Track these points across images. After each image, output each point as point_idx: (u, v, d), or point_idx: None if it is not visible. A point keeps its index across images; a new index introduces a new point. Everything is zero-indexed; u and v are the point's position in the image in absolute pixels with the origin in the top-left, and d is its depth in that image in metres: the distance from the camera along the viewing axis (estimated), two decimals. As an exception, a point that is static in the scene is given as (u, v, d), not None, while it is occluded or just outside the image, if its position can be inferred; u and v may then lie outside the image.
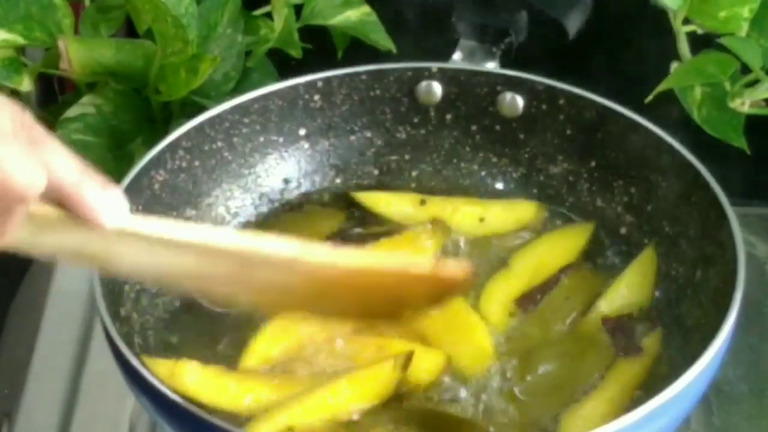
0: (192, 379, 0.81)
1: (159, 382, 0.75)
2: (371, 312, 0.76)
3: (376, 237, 0.94)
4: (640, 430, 0.73)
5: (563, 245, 0.93)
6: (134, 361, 0.75)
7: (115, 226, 0.65)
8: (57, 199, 0.64)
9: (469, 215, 0.96)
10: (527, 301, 0.89)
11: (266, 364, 0.85)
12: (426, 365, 0.84)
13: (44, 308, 0.98)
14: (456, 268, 0.75)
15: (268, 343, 0.86)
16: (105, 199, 0.64)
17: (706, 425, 0.89)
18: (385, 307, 0.75)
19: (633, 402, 0.81)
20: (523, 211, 0.96)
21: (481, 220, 0.96)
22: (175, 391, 0.75)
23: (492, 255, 0.93)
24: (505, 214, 0.96)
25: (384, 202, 0.97)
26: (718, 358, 0.77)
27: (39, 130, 0.63)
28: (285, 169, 0.98)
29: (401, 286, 0.74)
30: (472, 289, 0.89)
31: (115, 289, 0.84)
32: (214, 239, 0.69)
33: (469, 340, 0.86)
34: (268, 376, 0.83)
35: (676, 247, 0.90)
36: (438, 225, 0.93)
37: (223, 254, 0.69)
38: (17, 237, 0.63)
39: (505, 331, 0.88)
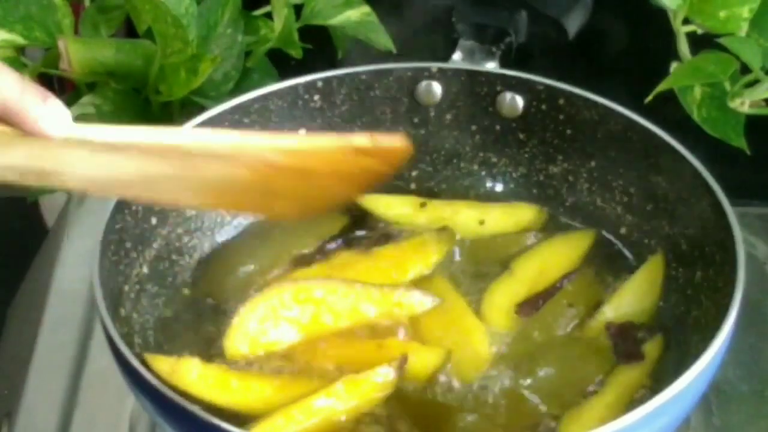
0: (193, 376, 0.81)
1: (159, 382, 0.75)
2: (317, 198, 0.78)
3: (380, 241, 0.94)
4: (641, 430, 0.73)
5: (566, 251, 0.93)
6: (134, 361, 0.75)
7: (60, 135, 0.66)
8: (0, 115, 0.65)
9: (468, 218, 0.96)
10: (528, 306, 0.89)
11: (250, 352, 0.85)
12: (424, 362, 0.84)
13: (44, 308, 0.98)
14: (393, 139, 0.77)
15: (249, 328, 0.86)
16: (48, 110, 0.65)
17: (706, 425, 0.89)
18: (330, 189, 0.77)
19: (632, 403, 0.81)
20: (523, 213, 0.97)
21: (481, 222, 0.96)
22: (176, 389, 0.76)
23: (493, 258, 0.93)
24: (505, 216, 0.96)
25: (384, 205, 0.97)
26: (718, 358, 0.77)
27: None
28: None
29: (343, 163, 0.76)
30: (475, 292, 0.90)
31: (114, 289, 0.84)
32: (156, 138, 0.70)
33: (466, 343, 0.86)
34: (270, 375, 0.83)
35: (676, 247, 0.90)
36: (444, 232, 0.93)
37: (166, 152, 0.70)
38: None
39: (507, 335, 0.87)
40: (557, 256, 0.93)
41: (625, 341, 0.86)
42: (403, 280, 0.90)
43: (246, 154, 0.72)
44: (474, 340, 0.86)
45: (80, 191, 0.76)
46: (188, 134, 0.73)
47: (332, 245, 0.93)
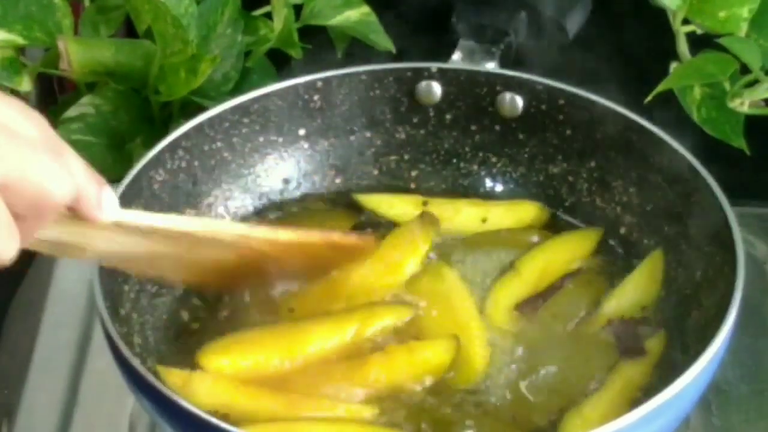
0: (204, 390, 0.81)
1: (158, 382, 0.75)
2: (298, 274, 0.88)
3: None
4: (640, 429, 0.73)
5: (571, 249, 0.93)
6: (134, 362, 0.75)
7: (107, 220, 0.70)
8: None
9: (471, 216, 0.96)
10: (529, 305, 0.89)
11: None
12: (437, 354, 0.84)
13: (44, 308, 0.97)
14: (360, 238, 0.91)
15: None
16: (103, 198, 0.69)
17: (706, 425, 0.89)
18: (309, 267, 0.88)
19: (633, 403, 0.81)
20: (525, 211, 0.96)
21: (483, 220, 0.96)
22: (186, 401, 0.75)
23: (496, 256, 0.93)
24: (508, 214, 0.96)
25: (386, 204, 0.97)
26: (718, 358, 0.77)
27: (58, 138, 0.67)
28: (284, 169, 0.98)
29: (321, 252, 0.87)
30: (479, 290, 0.90)
31: (114, 289, 0.84)
32: (177, 224, 0.78)
33: (464, 350, 0.85)
34: (281, 392, 0.83)
35: (676, 247, 0.90)
36: (427, 217, 0.93)
37: (181, 237, 0.77)
38: None
39: (509, 332, 0.87)
40: (563, 255, 0.93)
41: (627, 337, 0.86)
42: (401, 279, 0.90)
43: (241, 242, 0.82)
44: (472, 350, 0.85)
45: (91, 259, 0.80)
46: (202, 223, 0.83)
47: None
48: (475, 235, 0.95)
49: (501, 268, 0.92)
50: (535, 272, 0.91)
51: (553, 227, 0.96)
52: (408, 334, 0.87)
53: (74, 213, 0.68)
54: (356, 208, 0.97)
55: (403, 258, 0.91)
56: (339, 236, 0.89)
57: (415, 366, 0.84)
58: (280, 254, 0.84)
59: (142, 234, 0.75)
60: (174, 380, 0.80)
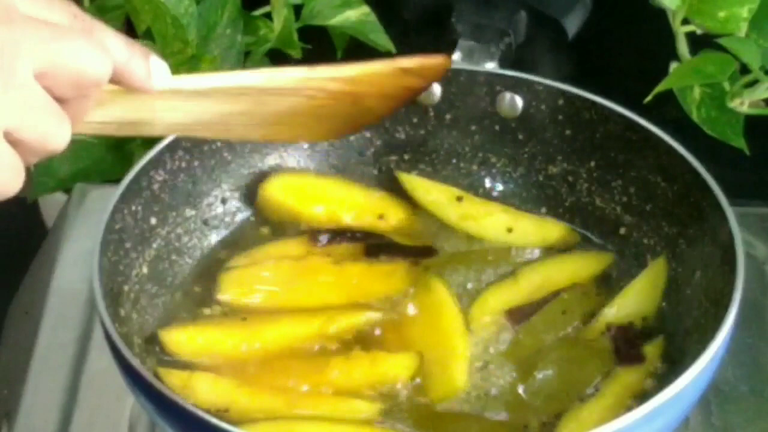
0: (204, 390, 0.81)
1: (158, 382, 0.75)
2: (360, 116, 0.83)
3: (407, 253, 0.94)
4: (640, 429, 0.73)
5: (575, 268, 0.92)
6: (133, 362, 0.75)
7: (160, 88, 0.70)
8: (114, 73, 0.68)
9: (498, 222, 0.95)
10: (518, 314, 0.88)
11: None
12: (395, 369, 0.84)
13: (44, 308, 0.97)
14: (436, 57, 0.84)
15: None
16: (151, 67, 0.69)
17: (705, 425, 0.89)
18: (373, 108, 0.83)
19: (630, 408, 0.81)
20: (552, 230, 0.96)
21: (509, 230, 0.95)
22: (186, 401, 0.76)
23: (506, 264, 0.93)
24: (534, 229, 0.95)
25: (423, 189, 0.97)
26: (718, 358, 0.77)
27: (87, 17, 0.67)
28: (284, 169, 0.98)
29: (389, 84, 0.82)
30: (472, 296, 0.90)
31: (114, 289, 0.84)
32: (236, 80, 0.76)
33: (444, 366, 0.85)
34: (281, 390, 0.83)
35: (676, 247, 0.90)
36: (419, 266, 0.92)
37: (244, 91, 0.76)
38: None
39: (500, 339, 0.87)
40: (566, 271, 0.92)
41: (625, 343, 0.86)
42: (369, 300, 0.89)
43: (308, 85, 0.78)
44: (452, 366, 0.85)
45: (162, 134, 0.82)
46: (261, 74, 0.77)
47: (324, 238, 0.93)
48: (498, 242, 0.95)
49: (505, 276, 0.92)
50: (533, 283, 0.90)
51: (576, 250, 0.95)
52: (389, 341, 0.87)
53: (127, 87, 0.69)
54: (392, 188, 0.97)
55: (379, 287, 0.91)
56: (407, 60, 0.83)
57: (374, 375, 0.84)
58: (351, 91, 0.81)
59: (205, 96, 0.74)
60: (173, 381, 0.81)
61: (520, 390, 0.84)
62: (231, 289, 0.90)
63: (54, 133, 0.64)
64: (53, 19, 0.65)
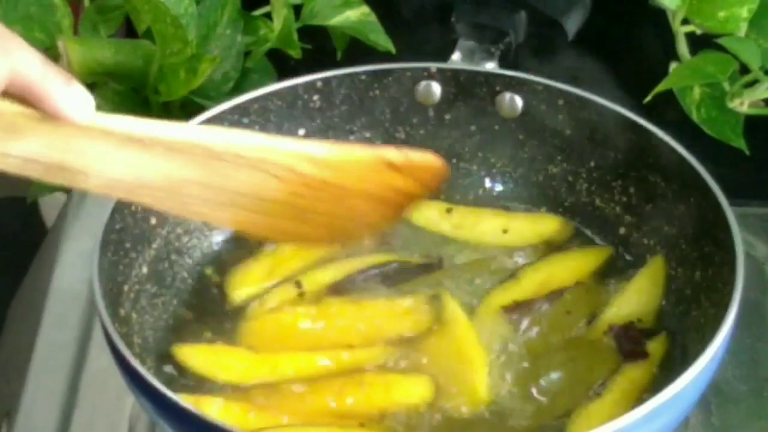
0: (214, 413, 0.81)
1: (158, 382, 0.75)
2: (349, 222, 0.75)
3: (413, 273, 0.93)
4: (640, 429, 0.73)
5: (575, 264, 0.92)
6: (133, 362, 0.75)
7: (81, 120, 0.64)
8: (21, 93, 0.63)
9: (492, 226, 0.95)
10: (517, 310, 0.88)
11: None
12: (408, 393, 0.83)
13: (44, 308, 0.97)
14: (426, 156, 0.75)
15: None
16: (71, 94, 0.64)
17: (705, 425, 0.89)
18: (362, 212, 0.75)
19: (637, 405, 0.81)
20: (547, 225, 0.96)
21: (504, 231, 0.95)
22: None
23: (507, 267, 0.93)
24: (529, 227, 0.96)
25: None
26: (717, 358, 0.77)
27: (0, 26, 0.62)
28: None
29: (374, 181, 0.73)
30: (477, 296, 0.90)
31: (114, 289, 0.84)
32: (181, 134, 0.68)
33: (464, 379, 0.84)
34: (292, 414, 0.83)
35: (676, 247, 0.90)
36: (435, 302, 0.90)
37: (192, 150, 0.68)
38: None
39: (507, 340, 0.87)
40: (567, 268, 0.92)
41: (628, 341, 0.86)
42: (388, 338, 0.88)
43: (274, 159, 0.70)
44: (472, 379, 0.84)
45: (105, 194, 0.72)
46: (215, 133, 0.70)
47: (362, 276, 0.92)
48: (496, 245, 0.94)
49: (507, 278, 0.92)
50: (535, 282, 0.90)
51: (574, 244, 0.95)
52: (406, 359, 0.86)
53: (42, 111, 0.63)
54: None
55: (399, 326, 0.89)
56: (393, 152, 0.74)
57: (389, 401, 0.83)
58: (328, 180, 0.72)
59: (143, 146, 0.66)
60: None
61: (528, 392, 0.83)
62: (250, 340, 0.88)
63: None
64: None
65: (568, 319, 0.88)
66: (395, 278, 0.91)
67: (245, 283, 0.91)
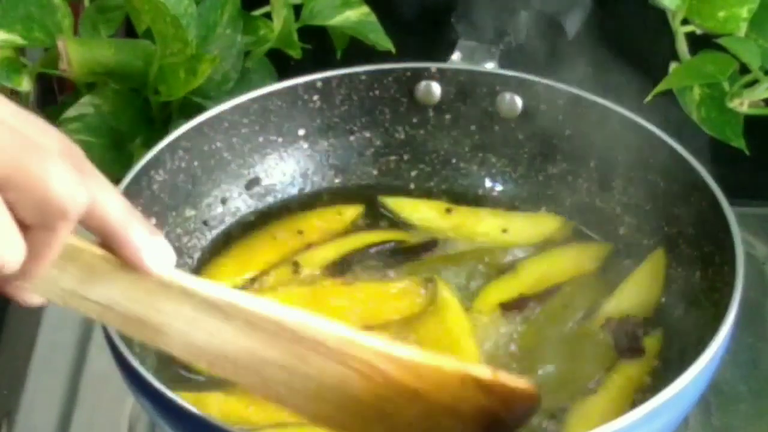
0: (214, 407, 0.81)
1: (158, 382, 0.75)
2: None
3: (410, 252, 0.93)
4: (640, 429, 0.73)
5: (574, 260, 0.93)
6: (133, 362, 0.75)
7: (161, 274, 0.63)
8: (102, 235, 0.62)
9: (492, 226, 0.95)
10: (514, 306, 0.88)
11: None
12: None
13: (44, 308, 0.97)
14: (519, 381, 0.72)
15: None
16: (152, 243, 0.63)
17: (705, 425, 0.89)
18: (443, 428, 0.71)
19: (633, 402, 0.81)
20: (547, 224, 0.96)
21: (504, 231, 0.95)
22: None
23: (506, 261, 0.93)
24: (529, 226, 0.96)
25: (410, 208, 0.96)
26: (717, 358, 0.77)
27: (88, 164, 0.61)
28: (284, 169, 0.98)
29: (459, 396, 0.70)
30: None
31: (114, 289, 0.84)
32: (261, 307, 0.66)
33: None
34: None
35: (676, 247, 0.90)
36: (430, 287, 0.90)
37: (272, 327, 0.67)
38: (60, 287, 0.64)
39: (500, 333, 0.87)
40: (566, 263, 0.92)
41: (625, 336, 0.86)
42: (381, 320, 0.88)
43: (353, 352, 0.68)
44: None
45: (190, 361, 0.70)
46: (295, 314, 0.67)
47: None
48: (495, 244, 0.94)
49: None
50: (533, 275, 0.90)
51: (574, 242, 0.95)
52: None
53: (120, 257, 0.62)
54: (356, 208, 0.97)
55: (391, 309, 0.89)
56: (483, 370, 0.71)
57: None
58: (413, 386, 0.69)
59: (224, 315, 0.65)
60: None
61: None
62: None
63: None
64: (44, 142, 0.58)
65: (564, 313, 0.88)
66: (391, 259, 0.92)
67: (219, 277, 0.91)
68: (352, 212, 0.96)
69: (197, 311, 0.65)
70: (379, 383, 0.68)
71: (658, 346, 0.85)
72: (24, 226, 0.58)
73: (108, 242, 0.62)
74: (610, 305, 0.88)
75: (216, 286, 0.66)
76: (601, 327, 0.87)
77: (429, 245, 0.93)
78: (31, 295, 0.65)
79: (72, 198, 0.58)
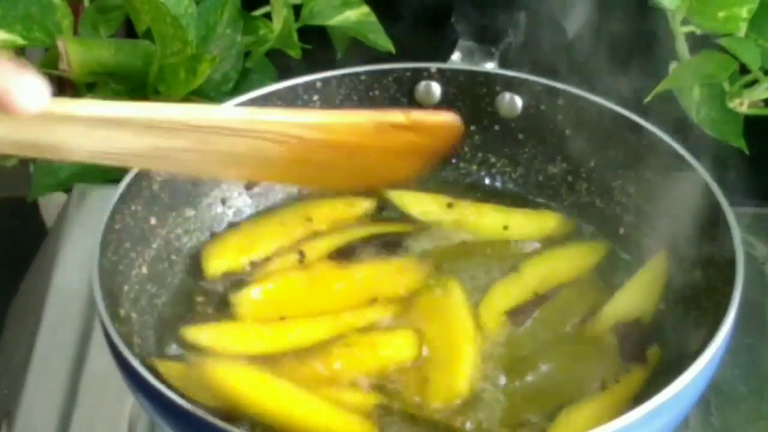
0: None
1: (158, 382, 0.75)
2: (369, 171, 0.75)
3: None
4: (639, 429, 0.73)
5: (577, 260, 0.92)
6: (133, 362, 0.75)
7: (35, 111, 0.63)
8: None
9: (493, 221, 0.95)
10: (520, 314, 0.88)
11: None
12: (397, 345, 0.85)
13: (44, 308, 0.98)
14: (435, 115, 0.76)
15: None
16: (23, 84, 0.62)
17: (705, 425, 0.89)
18: (380, 163, 0.75)
19: (631, 406, 0.81)
20: (547, 221, 0.96)
21: (505, 227, 0.95)
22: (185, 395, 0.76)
23: (508, 260, 0.93)
24: (529, 223, 0.96)
25: (411, 201, 0.96)
26: (717, 358, 0.77)
27: None
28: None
29: (383, 138, 0.73)
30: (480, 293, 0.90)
31: (114, 289, 0.84)
32: (155, 113, 0.67)
33: (447, 371, 0.84)
34: (286, 381, 0.83)
35: (675, 247, 0.90)
36: (426, 261, 0.92)
37: (171, 126, 0.67)
38: None
39: (499, 337, 0.87)
40: (567, 263, 0.92)
41: (628, 342, 0.86)
42: (383, 297, 0.89)
43: (262, 129, 0.69)
44: (457, 372, 0.84)
45: (95, 162, 0.70)
46: (190, 110, 0.68)
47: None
48: (496, 240, 0.95)
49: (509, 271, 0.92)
50: (537, 276, 0.90)
51: (574, 239, 0.95)
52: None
53: None
54: (368, 201, 0.97)
55: (388, 288, 0.90)
56: (400, 115, 0.74)
57: (376, 359, 0.84)
58: (327, 140, 0.71)
59: (120, 127, 0.65)
60: (172, 373, 0.81)
61: (518, 386, 0.83)
62: (244, 309, 0.89)
63: None
64: None
65: (563, 317, 0.88)
66: (395, 246, 0.93)
67: (221, 256, 0.91)
68: (363, 204, 0.96)
69: (89, 127, 0.65)
70: (295, 144, 0.70)
71: (660, 353, 0.85)
72: None
73: None
74: (611, 308, 0.88)
75: (97, 104, 0.65)
76: (602, 330, 0.87)
77: (418, 228, 0.94)
78: None
79: None
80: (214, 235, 0.94)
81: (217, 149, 0.69)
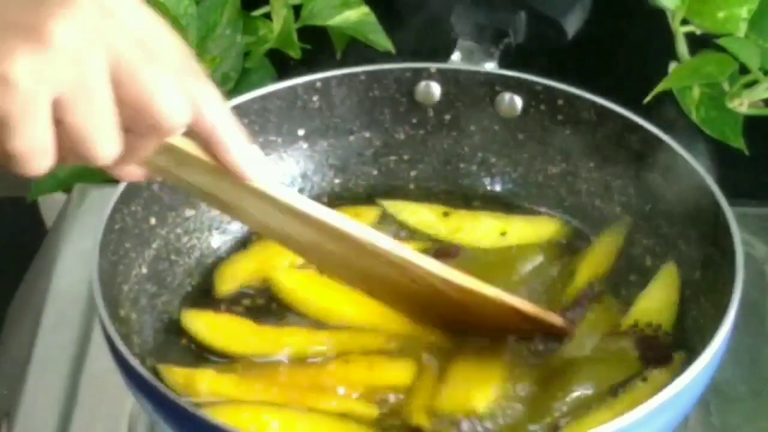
0: (206, 388, 0.81)
1: (157, 382, 0.75)
2: (465, 325, 0.83)
3: None
4: (639, 429, 0.73)
5: (600, 256, 0.92)
6: (133, 362, 0.75)
7: (255, 184, 0.68)
8: (204, 142, 0.66)
9: (490, 228, 0.95)
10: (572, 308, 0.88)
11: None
12: (393, 376, 0.84)
13: (43, 308, 0.97)
14: (555, 317, 0.84)
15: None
16: (252, 155, 0.67)
17: (705, 425, 0.89)
18: (478, 326, 0.82)
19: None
20: (545, 226, 0.96)
21: (503, 233, 0.95)
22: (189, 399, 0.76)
23: (510, 270, 0.92)
24: (528, 228, 0.95)
25: (408, 211, 0.96)
26: (717, 358, 0.77)
27: (201, 72, 0.65)
28: (284, 169, 0.98)
29: (500, 315, 0.82)
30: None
31: (114, 289, 0.84)
32: (339, 224, 0.74)
33: (470, 386, 0.82)
34: (280, 387, 0.83)
35: (675, 247, 0.90)
36: (410, 358, 0.87)
37: (342, 237, 0.74)
38: (158, 165, 0.67)
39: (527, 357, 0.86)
40: (594, 261, 0.91)
41: (649, 348, 0.84)
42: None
43: (413, 270, 0.77)
44: (478, 389, 0.82)
45: (255, 231, 0.82)
46: (370, 233, 0.76)
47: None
48: (494, 247, 0.94)
49: (513, 282, 0.91)
50: (587, 275, 0.90)
51: (575, 243, 0.95)
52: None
53: (216, 161, 0.66)
54: (373, 211, 0.97)
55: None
56: (528, 307, 0.82)
57: (371, 380, 0.83)
58: (458, 299, 0.80)
59: (302, 222, 0.72)
60: (176, 379, 0.81)
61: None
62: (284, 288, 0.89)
63: (95, 140, 0.60)
64: (160, 51, 0.62)
65: (590, 335, 0.86)
66: None
67: (234, 277, 0.91)
68: (369, 214, 0.96)
69: (276, 210, 0.71)
70: (426, 289, 0.78)
71: (683, 358, 0.84)
72: (126, 126, 0.61)
73: (208, 146, 0.66)
74: (633, 318, 0.86)
75: (300, 198, 0.72)
76: (627, 337, 0.85)
77: (449, 253, 0.92)
78: (127, 172, 0.68)
79: (172, 115, 0.61)
80: (211, 248, 0.94)
81: (364, 267, 0.77)
